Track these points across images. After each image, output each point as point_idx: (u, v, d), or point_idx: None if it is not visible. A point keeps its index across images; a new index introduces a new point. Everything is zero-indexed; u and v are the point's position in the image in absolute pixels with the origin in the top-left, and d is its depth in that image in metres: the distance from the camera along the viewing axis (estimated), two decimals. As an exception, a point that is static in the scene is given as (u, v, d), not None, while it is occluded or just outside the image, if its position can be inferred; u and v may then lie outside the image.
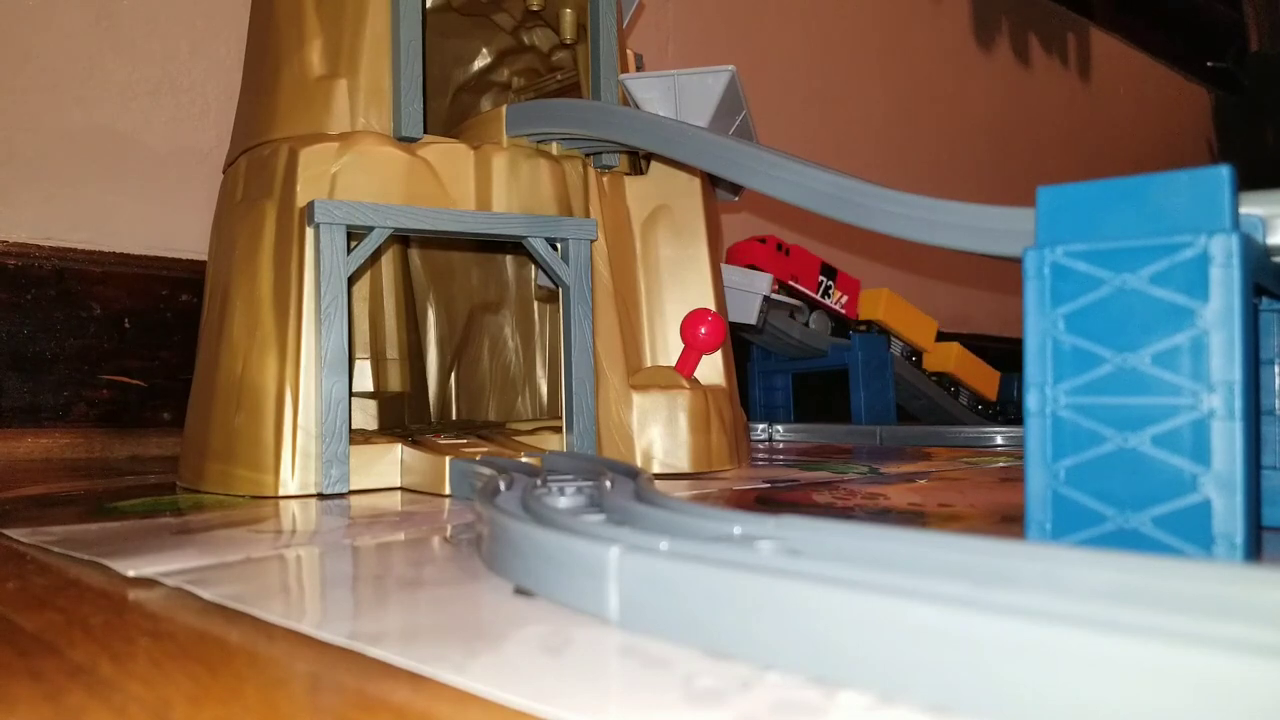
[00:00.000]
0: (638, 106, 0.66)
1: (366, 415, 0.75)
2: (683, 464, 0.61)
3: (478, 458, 0.50)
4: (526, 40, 0.81)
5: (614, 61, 0.67)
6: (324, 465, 0.52)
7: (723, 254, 0.94)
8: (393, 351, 0.74)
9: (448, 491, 0.50)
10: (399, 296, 0.75)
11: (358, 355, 0.72)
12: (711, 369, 0.66)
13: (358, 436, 0.57)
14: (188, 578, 0.29)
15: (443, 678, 0.19)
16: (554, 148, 0.63)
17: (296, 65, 0.59)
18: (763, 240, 1.02)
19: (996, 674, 0.16)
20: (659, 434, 0.61)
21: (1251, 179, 0.33)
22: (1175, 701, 0.14)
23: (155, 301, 0.89)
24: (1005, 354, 1.70)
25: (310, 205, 0.53)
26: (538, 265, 0.61)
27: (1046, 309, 0.31)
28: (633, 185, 0.68)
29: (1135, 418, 0.30)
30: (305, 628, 0.23)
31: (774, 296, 1.02)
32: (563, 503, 0.34)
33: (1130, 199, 0.30)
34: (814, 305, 1.09)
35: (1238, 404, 0.28)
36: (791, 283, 1.03)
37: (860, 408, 1.10)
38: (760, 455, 0.79)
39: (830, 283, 1.09)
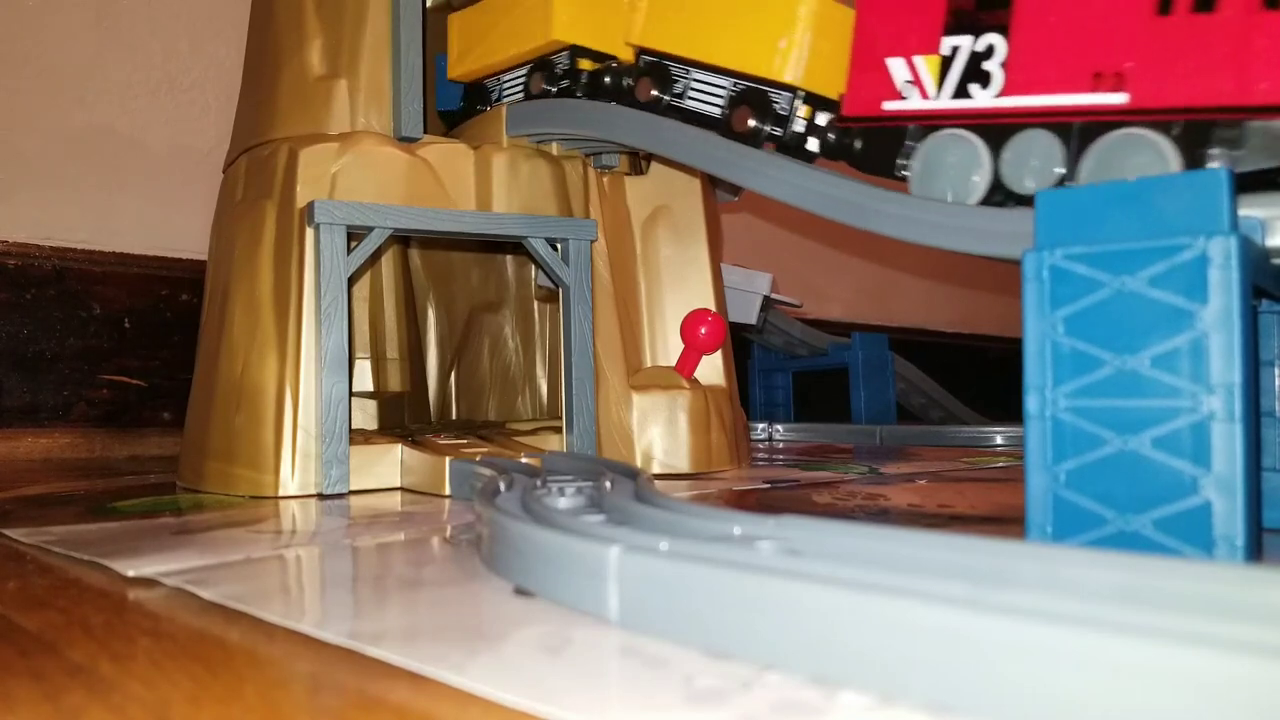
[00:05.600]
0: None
1: (366, 415, 0.75)
2: (683, 464, 0.61)
3: (478, 458, 0.50)
4: (527, 40, 0.81)
5: (614, 62, 0.66)
6: (324, 465, 0.52)
7: (722, 254, 0.94)
8: (393, 351, 0.74)
9: (448, 492, 0.50)
10: (399, 296, 0.75)
11: (358, 355, 0.72)
12: (711, 369, 0.66)
13: (358, 437, 0.57)
14: (188, 578, 0.29)
15: (443, 678, 0.19)
16: (554, 148, 0.63)
17: (296, 65, 0.60)
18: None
19: (996, 674, 0.16)
20: (659, 434, 0.61)
21: (1252, 180, 0.33)
22: (1176, 702, 0.14)
23: (155, 301, 0.89)
24: (1008, 354, 1.70)
25: (310, 205, 0.53)
26: (538, 265, 0.61)
27: (1046, 311, 0.31)
28: (633, 185, 0.68)
29: (1135, 420, 0.30)
30: (305, 628, 0.23)
31: (774, 296, 1.02)
32: (562, 503, 0.34)
33: (1129, 201, 0.30)
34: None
35: (1238, 406, 0.28)
36: None
37: (860, 407, 1.10)
38: (760, 455, 0.79)
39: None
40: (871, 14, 0.44)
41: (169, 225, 0.91)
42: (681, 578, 0.21)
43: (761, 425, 1.05)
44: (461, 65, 0.65)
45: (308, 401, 0.52)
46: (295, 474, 0.51)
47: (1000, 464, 0.70)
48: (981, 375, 1.55)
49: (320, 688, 0.20)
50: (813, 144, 0.49)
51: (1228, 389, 0.28)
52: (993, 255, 0.39)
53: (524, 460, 0.50)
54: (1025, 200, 0.39)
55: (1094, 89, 0.36)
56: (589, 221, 0.60)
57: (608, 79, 0.58)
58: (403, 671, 0.20)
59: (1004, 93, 0.39)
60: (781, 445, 0.96)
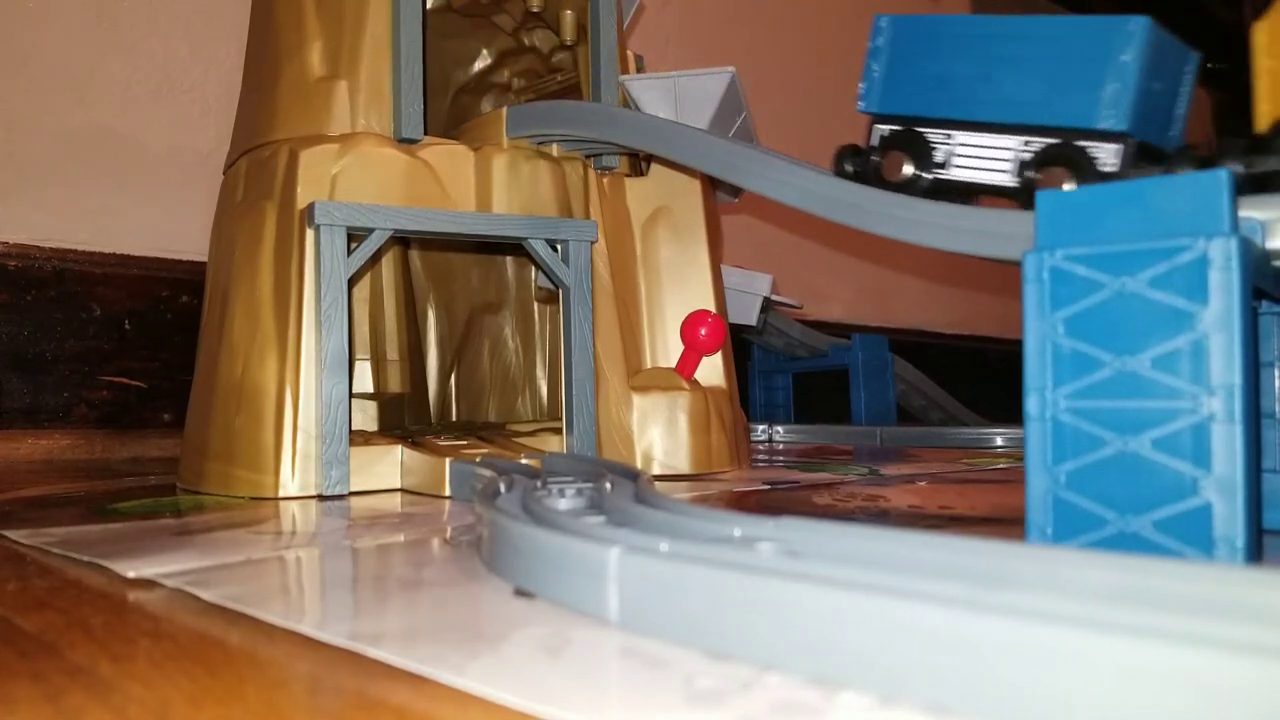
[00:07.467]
0: (638, 108, 0.66)
1: (366, 416, 0.75)
2: (683, 465, 0.61)
3: (478, 459, 0.50)
4: (527, 41, 0.81)
5: (614, 63, 0.67)
6: (324, 466, 0.52)
7: (722, 255, 0.94)
8: (393, 353, 0.74)
9: (448, 493, 0.50)
10: (399, 298, 0.75)
11: (358, 356, 0.72)
12: (711, 370, 0.66)
13: (358, 438, 0.57)
14: (188, 579, 0.29)
15: (443, 679, 0.19)
16: (554, 149, 0.63)
17: (297, 66, 0.60)
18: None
19: (996, 675, 0.16)
20: (659, 435, 0.61)
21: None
22: (1175, 702, 0.14)
23: (155, 303, 0.89)
24: (1008, 355, 1.70)
25: (311, 207, 0.53)
26: (538, 266, 0.61)
27: (1046, 313, 0.31)
28: (633, 187, 0.68)
29: (1135, 421, 0.30)
30: (305, 629, 0.23)
31: (774, 298, 1.02)
32: (563, 504, 0.34)
33: (1129, 203, 0.30)
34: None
35: (1238, 407, 0.28)
36: None
37: (860, 408, 1.10)
38: (760, 456, 0.79)
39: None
40: None
41: (169, 226, 0.91)
42: (681, 579, 0.21)
43: (761, 426, 1.05)
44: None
45: (308, 403, 0.52)
46: (295, 475, 0.51)
47: (1000, 465, 0.70)
48: (981, 377, 1.55)
49: (320, 689, 0.20)
50: None
51: (1228, 390, 0.28)
52: (993, 256, 0.39)
53: (524, 461, 0.50)
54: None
55: None
56: (589, 223, 0.60)
57: None
58: (403, 672, 0.20)
59: None
60: (781, 446, 0.96)
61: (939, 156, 0.42)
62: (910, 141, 0.43)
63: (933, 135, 0.42)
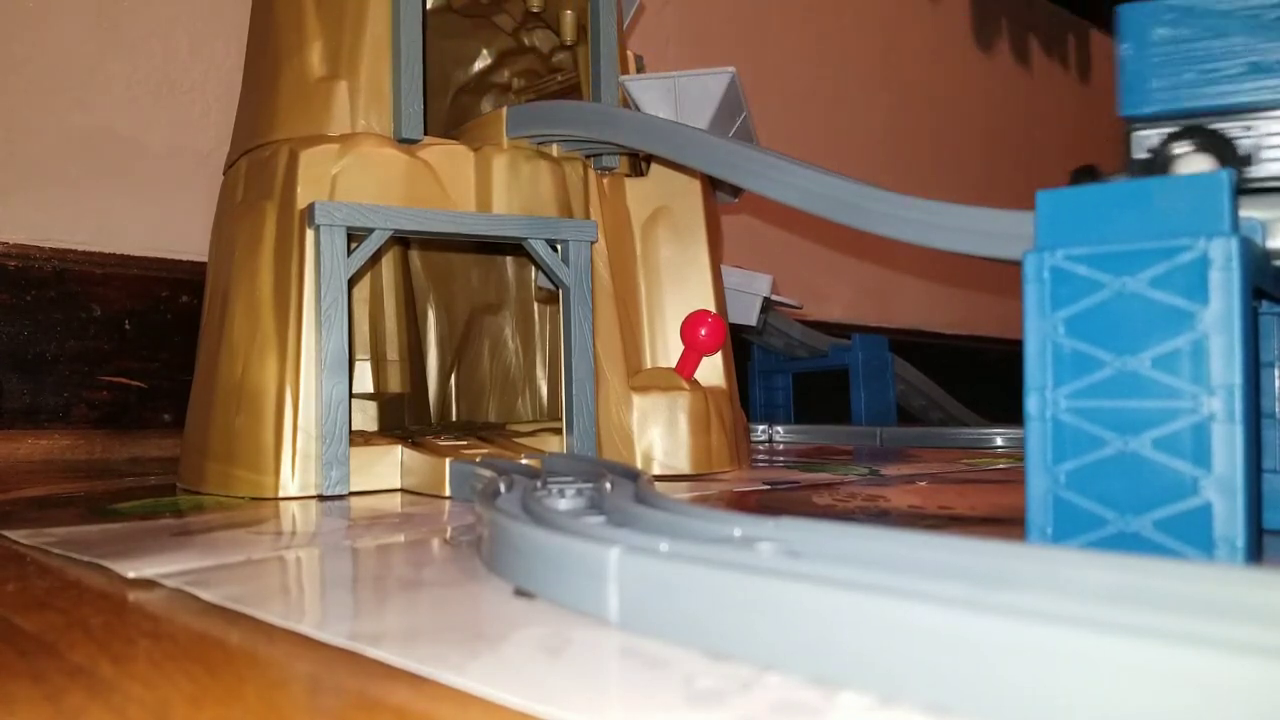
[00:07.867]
0: (638, 108, 0.66)
1: (366, 417, 0.75)
2: (683, 465, 0.61)
3: (478, 459, 0.50)
4: (527, 41, 0.81)
5: (614, 63, 0.67)
6: (324, 467, 0.52)
7: (722, 255, 0.94)
8: (393, 353, 0.74)
9: (448, 493, 0.50)
10: (399, 298, 0.75)
11: (358, 356, 0.72)
12: (711, 370, 0.66)
13: (358, 438, 0.57)
14: (188, 579, 0.29)
15: (443, 678, 0.19)
16: (554, 149, 0.63)
17: (297, 66, 0.60)
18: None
19: (996, 675, 0.16)
20: (659, 435, 0.61)
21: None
22: (1176, 702, 0.14)
23: (155, 303, 0.89)
24: (1007, 356, 1.70)
25: (311, 207, 0.53)
26: (538, 267, 0.61)
27: (1046, 312, 0.31)
28: (633, 187, 0.68)
29: (1136, 421, 0.30)
30: (305, 629, 0.23)
31: (774, 298, 1.02)
32: (563, 504, 0.34)
33: (1130, 203, 0.30)
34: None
35: (1238, 407, 0.28)
36: None
37: (860, 408, 1.10)
38: (760, 456, 0.79)
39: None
40: None
41: (169, 227, 0.91)
42: (681, 579, 0.21)
43: (761, 427, 1.05)
44: None
45: (308, 403, 0.52)
46: (295, 475, 0.51)
47: (1001, 465, 0.70)
48: (981, 377, 1.55)
49: (320, 689, 0.20)
50: None
51: (1228, 390, 0.28)
52: (993, 256, 0.39)
53: (524, 461, 0.50)
54: None
55: None
56: (589, 223, 0.60)
57: None
58: (403, 672, 0.20)
59: None
60: (781, 447, 0.96)
61: (1243, 152, 0.36)
62: (1205, 140, 0.37)
63: (1230, 129, 0.36)
